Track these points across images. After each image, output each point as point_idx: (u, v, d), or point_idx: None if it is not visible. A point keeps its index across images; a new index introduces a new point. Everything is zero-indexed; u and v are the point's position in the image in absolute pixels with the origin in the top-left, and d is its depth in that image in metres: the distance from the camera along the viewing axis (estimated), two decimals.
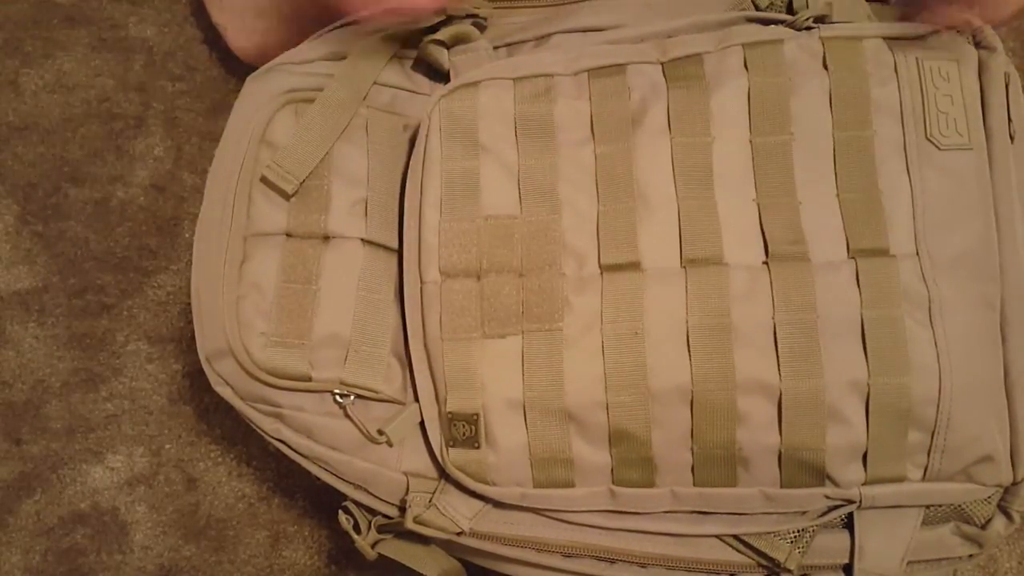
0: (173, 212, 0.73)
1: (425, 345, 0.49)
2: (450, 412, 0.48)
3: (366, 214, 0.52)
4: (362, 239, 0.51)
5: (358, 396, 0.51)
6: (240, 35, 0.68)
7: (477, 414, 0.48)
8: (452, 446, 0.49)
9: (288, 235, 0.51)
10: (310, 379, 0.50)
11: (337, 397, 0.51)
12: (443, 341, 0.48)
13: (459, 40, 0.53)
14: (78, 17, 0.75)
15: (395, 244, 0.52)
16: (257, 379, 0.50)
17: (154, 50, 0.75)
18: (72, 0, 0.76)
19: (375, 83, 0.54)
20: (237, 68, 0.74)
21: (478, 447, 0.48)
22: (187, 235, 0.72)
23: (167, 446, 0.69)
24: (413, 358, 0.50)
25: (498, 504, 0.50)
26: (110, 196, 0.73)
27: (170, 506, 0.68)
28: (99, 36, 0.75)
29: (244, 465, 0.69)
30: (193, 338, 0.51)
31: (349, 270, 0.51)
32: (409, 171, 0.51)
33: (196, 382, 0.70)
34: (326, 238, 0.51)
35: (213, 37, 0.73)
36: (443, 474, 0.51)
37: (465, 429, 0.48)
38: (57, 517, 0.68)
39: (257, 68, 0.54)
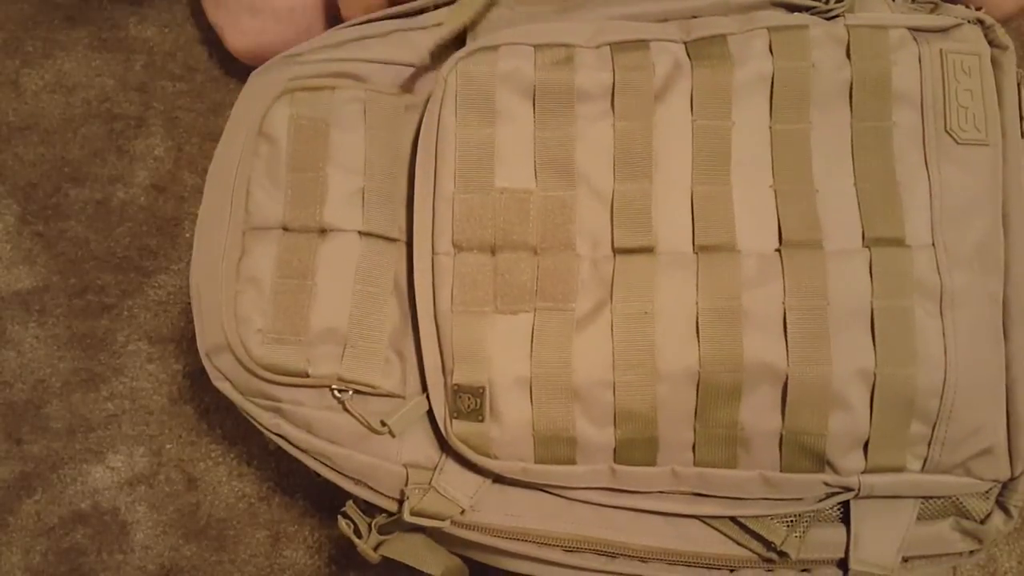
0: (173, 212, 0.73)
1: (435, 317, 0.49)
2: (456, 384, 0.48)
3: (363, 204, 0.51)
4: (359, 231, 0.51)
5: (356, 391, 0.51)
6: (236, 35, 0.68)
7: (483, 387, 0.48)
8: (456, 418, 0.49)
9: (285, 229, 0.51)
10: (307, 375, 0.50)
11: (335, 392, 0.50)
12: (453, 313, 0.48)
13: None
14: (78, 17, 0.76)
15: (393, 234, 0.52)
16: (255, 375, 0.50)
17: (154, 50, 0.75)
18: (72, 0, 0.76)
19: (379, 62, 0.53)
20: (237, 68, 0.74)
21: (482, 420, 0.48)
22: (187, 235, 0.72)
23: (167, 446, 0.69)
24: (421, 332, 0.49)
25: (498, 479, 0.50)
26: (110, 196, 0.73)
27: (170, 506, 0.68)
28: (99, 36, 0.75)
29: (244, 465, 0.69)
30: (193, 338, 0.51)
31: (345, 264, 0.51)
32: (421, 137, 0.50)
33: (196, 382, 0.70)
34: (322, 231, 0.51)
35: (213, 37, 0.73)
36: (443, 449, 0.51)
37: (470, 402, 0.48)
38: (57, 517, 0.68)
39: (255, 68, 0.54)
